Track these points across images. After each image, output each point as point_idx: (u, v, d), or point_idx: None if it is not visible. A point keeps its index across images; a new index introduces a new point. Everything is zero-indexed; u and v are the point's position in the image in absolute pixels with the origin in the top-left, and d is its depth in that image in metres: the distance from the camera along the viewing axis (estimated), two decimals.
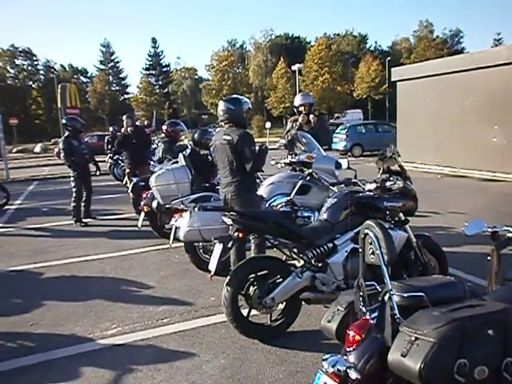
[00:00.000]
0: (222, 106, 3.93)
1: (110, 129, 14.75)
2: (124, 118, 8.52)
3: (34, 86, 63.52)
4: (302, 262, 3.34)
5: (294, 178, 5.03)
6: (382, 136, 18.21)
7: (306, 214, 4.81)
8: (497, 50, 14.34)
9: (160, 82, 66.01)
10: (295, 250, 3.40)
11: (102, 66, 65.66)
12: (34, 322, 3.83)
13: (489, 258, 2.34)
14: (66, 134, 7.51)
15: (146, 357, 3.15)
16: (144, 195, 5.81)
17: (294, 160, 5.09)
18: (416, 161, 12.81)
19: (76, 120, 7.79)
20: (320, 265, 3.34)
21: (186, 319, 3.73)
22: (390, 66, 21.36)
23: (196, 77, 65.21)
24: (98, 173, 8.29)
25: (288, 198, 4.86)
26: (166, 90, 64.76)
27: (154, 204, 5.48)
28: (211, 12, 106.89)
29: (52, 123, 52.22)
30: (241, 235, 3.31)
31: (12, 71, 61.71)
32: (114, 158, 12.71)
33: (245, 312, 3.27)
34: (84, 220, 7.66)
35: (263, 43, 60.40)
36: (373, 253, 2.04)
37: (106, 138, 13.78)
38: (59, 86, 17.68)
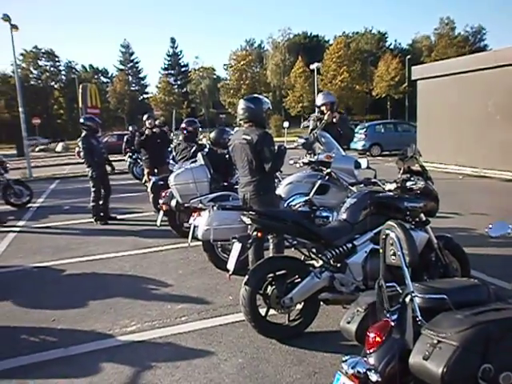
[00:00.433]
0: (242, 104, 3.92)
1: (130, 128, 14.92)
2: (145, 118, 8.62)
3: (56, 86, 64.89)
4: (320, 262, 3.31)
5: (313, 177, 4.99)
6: (402, 135, 18.00)
7: (324, 214, 4.78)
8: None
9: (178, 82, 66.68)
10: (314, 250, 3.38)
11: (122, 67, 66.70)
12: (56, 317, 3.90)
13: None
14: (84, 133, 7.61)
15: (164, 354, 3.18)
16: (163, 194, 5.85)
17: (312, 159, 5.06)
18: (437, 161, 12.59)
19: (92, 119, 7.88)
20: (339, 265, 3.31)
21: (204, 318, 3.75)
22: (410, 65, 21.03)
23: (214, 76, 65.55)
24: (112, 171, 8.36)
25: (306, 197, 4.83)
26: (185, 89, 65.33)
27: (173, 203, 5.53)
28: (229, 12, 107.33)
29: (73, 123, 53.26)
30: (259, 235, 3.30)
31: (35, 72, 63.12)
32: (134, 157, 12.85)
33: (263, 311, 3.27)
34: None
35: (281, 42, 60.33)
36: (394, 254, 2.02)
37: (125, 137, 13.93)
38: (80, 87, 18.03)
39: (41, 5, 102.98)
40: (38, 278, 5.14)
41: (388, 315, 1.92)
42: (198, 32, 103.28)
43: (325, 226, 3.66)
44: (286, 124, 20.06)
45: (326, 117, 5.59)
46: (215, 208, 3.76)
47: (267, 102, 4.02)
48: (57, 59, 63.86)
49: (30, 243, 6.68)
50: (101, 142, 8.06)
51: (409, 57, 47.76)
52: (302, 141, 5.64)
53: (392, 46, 63.76)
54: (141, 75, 68.14)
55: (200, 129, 7.59)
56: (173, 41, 66.54)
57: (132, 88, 66.80)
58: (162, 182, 6.47)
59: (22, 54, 58.35)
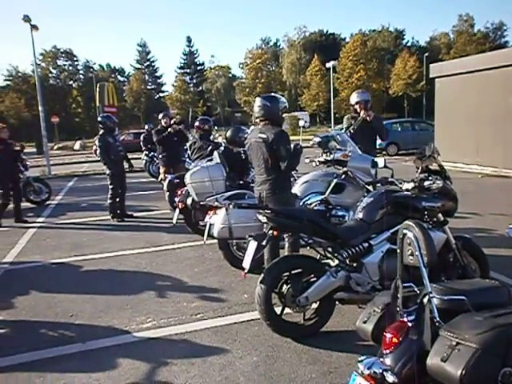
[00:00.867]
0: (258, 102, 3.92)
1: (146, 127, 15.03)
2: (160, 116, 8.68)
3: (74, 85, 65.88)
4: (336, 262, 3.29)
5: (329, 176, 4.96)
6: (419, 134, 17.73)
7: (340, 213, 4.74)
8: None
9: (194, 81, 67.04)
10: (330, 249, 3.36)
11: (139, 66, 67.36)
12: (74, 313, 3.97)
13: None
14: (101, 131, 7.72)
15: (180, 351, 3.21)
16: (179, 192, 5.89)
17: (328, 158, 5.03)
18: (455, 160, 12.38)
19: (108, 118, 7.97)
20: (355, 265, 3.29)
21: (220, 315, 3.76)
22: (428, 62, 20.75)
23: (230, 75, 65.76)
24: (130, 168, 8.45)
25: (322, 196, 4.81)
26: (200, 88, 65.68)
27: (189, 201, 5.56)
28: (245, 11, 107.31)
29: (91, 121, 54.05)
30: (275, 233, 3.29)
31: (54, 71, 64.20)
32: (150, 155, 12.95)
33: (278, 310, 3.27)
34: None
35: (297, 40, 60.13)
36: (411, 254, 2.00)
37: (142, 135, 14.05)
38: (98, 85, 18.22)
39: (60, 3, 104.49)
40: (56, 273, 5.23)
41: (405, 316, 1.90)
42: (214, 31, 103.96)
43: (341, 225, 3.63)
44: (301, 123, 19.96)
45: (362, 113, 5.56)
46: (231, 206, 3.77)
47: (284, 101, 4.01)
48: (75, 59, 64.94)
49: (48, 239, 6.80)
50: (118, 140, 8.15)
51: (427, 54, 47.15)
52: (318, 139, 5.61)
53: (409, 44, 63.06)
54: (157, 74, 68.76)
55: (215, 127, 7.62)
56: (189, 40, 67.02)
57: (148, 87, 67.45)
58: (177, 180, 6.51)
59: (41, 54, 59.55)
